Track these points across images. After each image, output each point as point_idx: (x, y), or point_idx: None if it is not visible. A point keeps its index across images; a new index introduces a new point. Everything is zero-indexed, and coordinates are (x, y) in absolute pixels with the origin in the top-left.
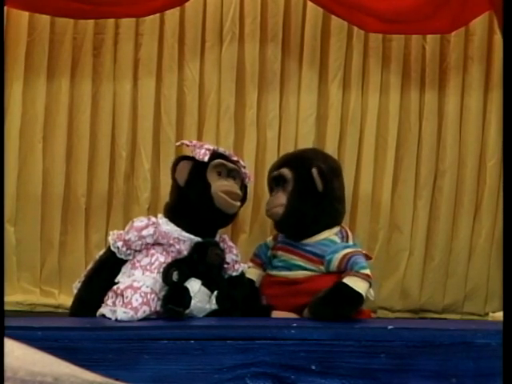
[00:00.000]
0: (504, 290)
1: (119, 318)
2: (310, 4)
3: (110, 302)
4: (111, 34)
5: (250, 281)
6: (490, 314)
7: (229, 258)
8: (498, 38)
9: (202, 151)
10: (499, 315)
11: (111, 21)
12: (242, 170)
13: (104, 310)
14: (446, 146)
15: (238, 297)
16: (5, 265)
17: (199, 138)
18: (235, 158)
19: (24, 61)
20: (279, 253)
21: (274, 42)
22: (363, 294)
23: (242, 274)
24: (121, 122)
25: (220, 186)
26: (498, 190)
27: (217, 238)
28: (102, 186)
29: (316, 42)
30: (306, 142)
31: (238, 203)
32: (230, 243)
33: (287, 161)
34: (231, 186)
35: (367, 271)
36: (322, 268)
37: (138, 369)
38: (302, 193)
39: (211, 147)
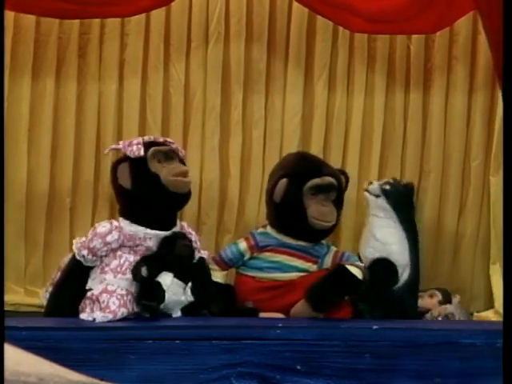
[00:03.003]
0: (504, 290)
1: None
2: (295, 4)
3: (87, 309)
4: (97, 33)
5: (228, 285)
6: (475, 314)
7: None
8: (483, 38)
9: (134, 148)
10: (484, 315)
11: (97, 21)
12: (173, 146)
13: (82, 317)
14: (431, 146)
15: (212, 286)
16: None
17: (184, 138)
18: (162, 140)
19: (9, 61)
20: (268, 254)
21: (260, 41)
22: (361, 279)
23: (201, 261)
24: (106, 122)
25: (168, 171)
26: (483, 190)
27: (177, 226)
28: (87, 186)
29: (301, 42)
30: (292, 142)
31: (190, 179)
32: (189, 230)
33: (327, 169)
34: (177, 166)
35: (362, 265)
36: (315, 267)
37: (123, 369)
38: (342, 201)
39: (140, 140)
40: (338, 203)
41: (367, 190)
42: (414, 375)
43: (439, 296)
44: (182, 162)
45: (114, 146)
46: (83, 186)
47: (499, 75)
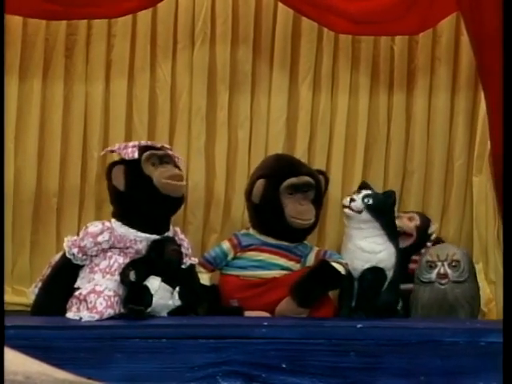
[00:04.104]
0: (504, 291)
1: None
2: (280, 5)
3: (74, 308)
4: (83, 34)
5: (212, 286)
6: None
7: None
8: (465, 39)
9: (129, 150)
10: None
11: (83, 22)
12: (170, 152)
13: (69, 316)
14: (414, 146)
15: (200, 290)
16: None
17: (171, 139)
18: (159, 145)
19: None
20: (252, 253)
21: (245, 43)
22: (344, 273)
23: (190, 267)
24: (93, 123)
25: (161, 174)
26: (466, 190)
27: (170, 231)
28: (74, 187)
29: (287, 44)
30: (277, 143)
31: (184, 183)
32: (182, 236)
33: (304, 168)
34: (169, 169)
35: (344, 261)
36: (298, 266)
37: (110, 367)
38: (321, 201)
39: (136, 143)
40: (317, 202)
41: (349, 207)
42: (398, 373)
43: (418, 221)
44: (178, 168)
45: (109, 148)
46: (70, 187)
47: (482, 76)
